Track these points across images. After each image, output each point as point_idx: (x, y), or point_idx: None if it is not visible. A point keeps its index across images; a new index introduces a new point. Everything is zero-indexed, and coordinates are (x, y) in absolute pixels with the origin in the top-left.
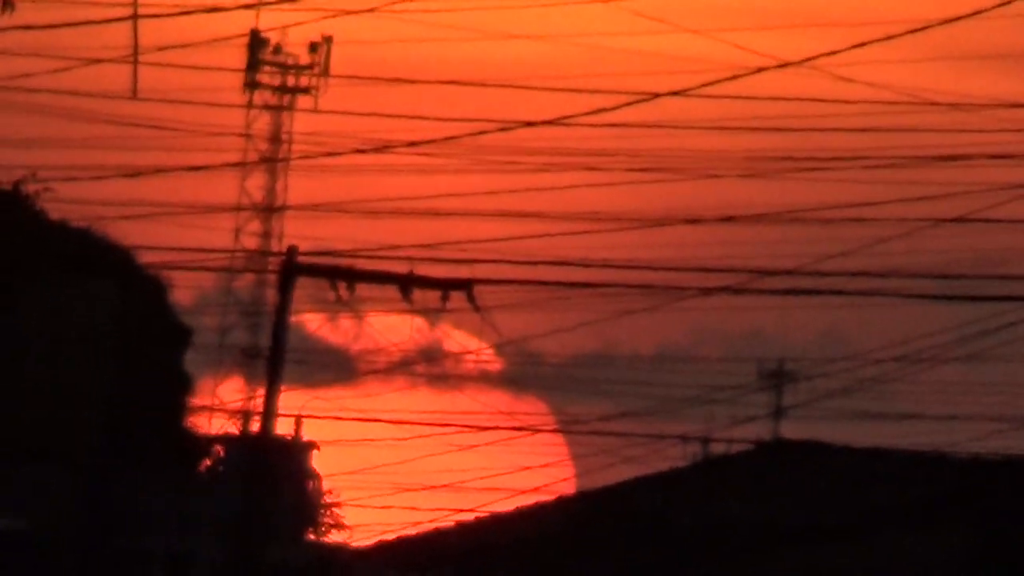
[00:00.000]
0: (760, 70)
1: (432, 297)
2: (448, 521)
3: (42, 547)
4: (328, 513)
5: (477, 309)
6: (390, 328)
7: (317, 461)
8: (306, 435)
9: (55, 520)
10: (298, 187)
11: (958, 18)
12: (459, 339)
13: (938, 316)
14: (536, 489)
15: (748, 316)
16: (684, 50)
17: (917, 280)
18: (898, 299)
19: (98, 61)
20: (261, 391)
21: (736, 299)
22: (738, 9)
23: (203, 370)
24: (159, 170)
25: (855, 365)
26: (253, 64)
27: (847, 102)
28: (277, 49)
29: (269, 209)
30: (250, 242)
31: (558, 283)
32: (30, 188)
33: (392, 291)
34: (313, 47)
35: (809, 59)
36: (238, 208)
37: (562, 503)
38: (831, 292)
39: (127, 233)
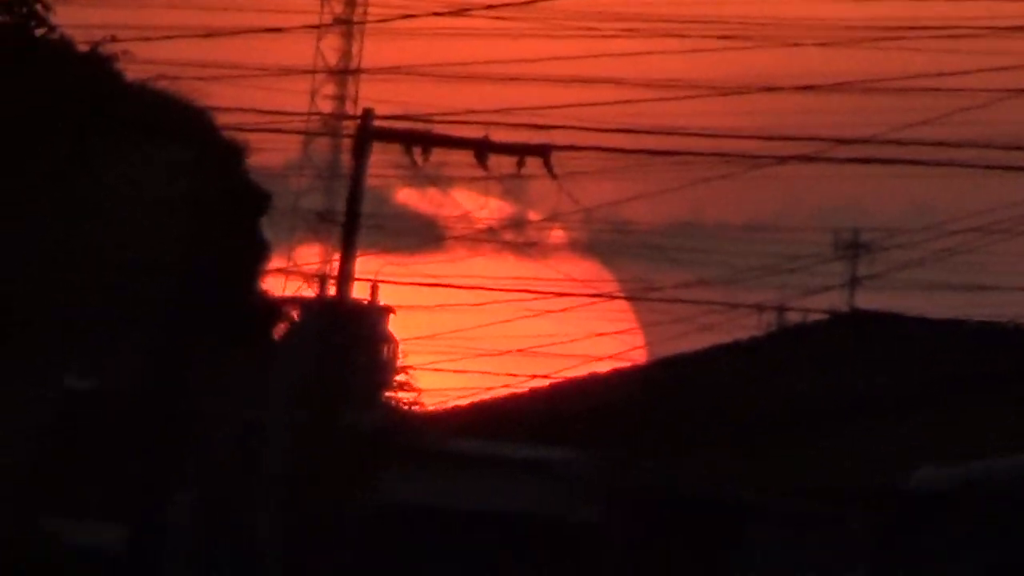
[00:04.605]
0: None
1: (508, 163)
2: (522, 387)
3: (115, 409)
4: (402, 377)
5: (553, 176)
6: (465, 194)
7: (393, 326)
8: (383, 300)
9: (129, 384)
10: (374, 50)
11: None
12: (534, 206)
13: (1016, 187)
14: (610, 357)
15: (826, 186)
16: None
17: (995, 151)
18: (976, 169)
19: None
20: (337, 256)
21: (813, 168)
22: None
23: (280, 235)
24: (235, 32)
25: (931, 236)
26: None
27: None
28: None
29: (344, 72)
30: (326, 105)
31: (635, 151)
32: (108, 50)
33: (467, 156)
34: None
35: None
36: (313, 71)
37: (636, 371)
38: (908, 162)
39: (202, 95)
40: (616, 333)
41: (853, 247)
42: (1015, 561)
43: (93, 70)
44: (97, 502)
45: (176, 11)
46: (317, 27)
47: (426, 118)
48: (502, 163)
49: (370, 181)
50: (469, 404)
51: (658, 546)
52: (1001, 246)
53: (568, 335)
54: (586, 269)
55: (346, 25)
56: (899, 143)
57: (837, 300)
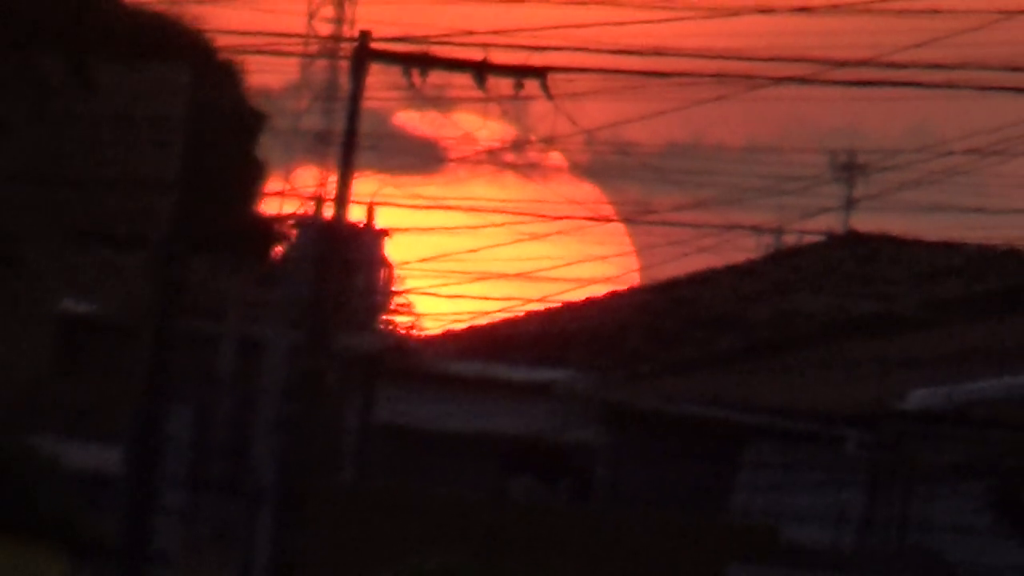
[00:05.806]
0: None
1: (506, 85)
2: (519, 311)
3: (113, 330)
4: (399, 300)
5: (550, 98)
6: (463, 116)
7: (389, 249)
8: (380, 223)
9: (127, 304)
10: None
11: None
12: (533, 129)
13: (1014, 108)
14: (607, 279)
15: (823, 108)
16: None
17: (992, 72)
18: (973, 91)
19: None
20: (334, 178)
21: (810, 90)
22: None
23: (278, 157)
24: None
25: (928, 157)
26: None
27: None
28: None
29: None
30: (323, 28)
31: (632, 72)
32: None
33: (466, 78)
34: None
35: None
36: None
37: (634, 293)
38: (905, 84)
39: (200, 17)
40: (614, 256)
41: (849, 169)
42: (1007, 481)
43: None
44: (94, 424)
45: None
46: None
47: (424, 40)
48: (500, 85)
49: (368, 104)
50: (467, 328)
51: (657, 466)
52: (998, 168)
53: (566, 258)
54: (584, 192)
55: None
56: (896, 65)
57: (834, 222)
